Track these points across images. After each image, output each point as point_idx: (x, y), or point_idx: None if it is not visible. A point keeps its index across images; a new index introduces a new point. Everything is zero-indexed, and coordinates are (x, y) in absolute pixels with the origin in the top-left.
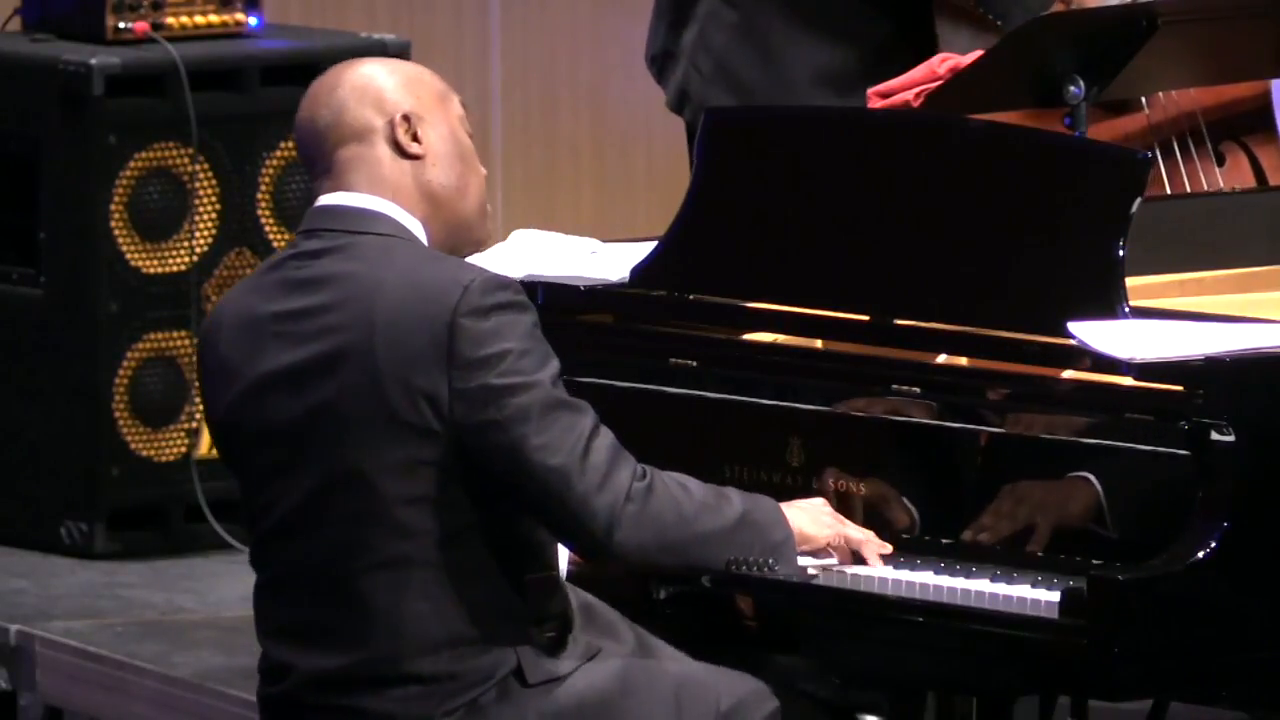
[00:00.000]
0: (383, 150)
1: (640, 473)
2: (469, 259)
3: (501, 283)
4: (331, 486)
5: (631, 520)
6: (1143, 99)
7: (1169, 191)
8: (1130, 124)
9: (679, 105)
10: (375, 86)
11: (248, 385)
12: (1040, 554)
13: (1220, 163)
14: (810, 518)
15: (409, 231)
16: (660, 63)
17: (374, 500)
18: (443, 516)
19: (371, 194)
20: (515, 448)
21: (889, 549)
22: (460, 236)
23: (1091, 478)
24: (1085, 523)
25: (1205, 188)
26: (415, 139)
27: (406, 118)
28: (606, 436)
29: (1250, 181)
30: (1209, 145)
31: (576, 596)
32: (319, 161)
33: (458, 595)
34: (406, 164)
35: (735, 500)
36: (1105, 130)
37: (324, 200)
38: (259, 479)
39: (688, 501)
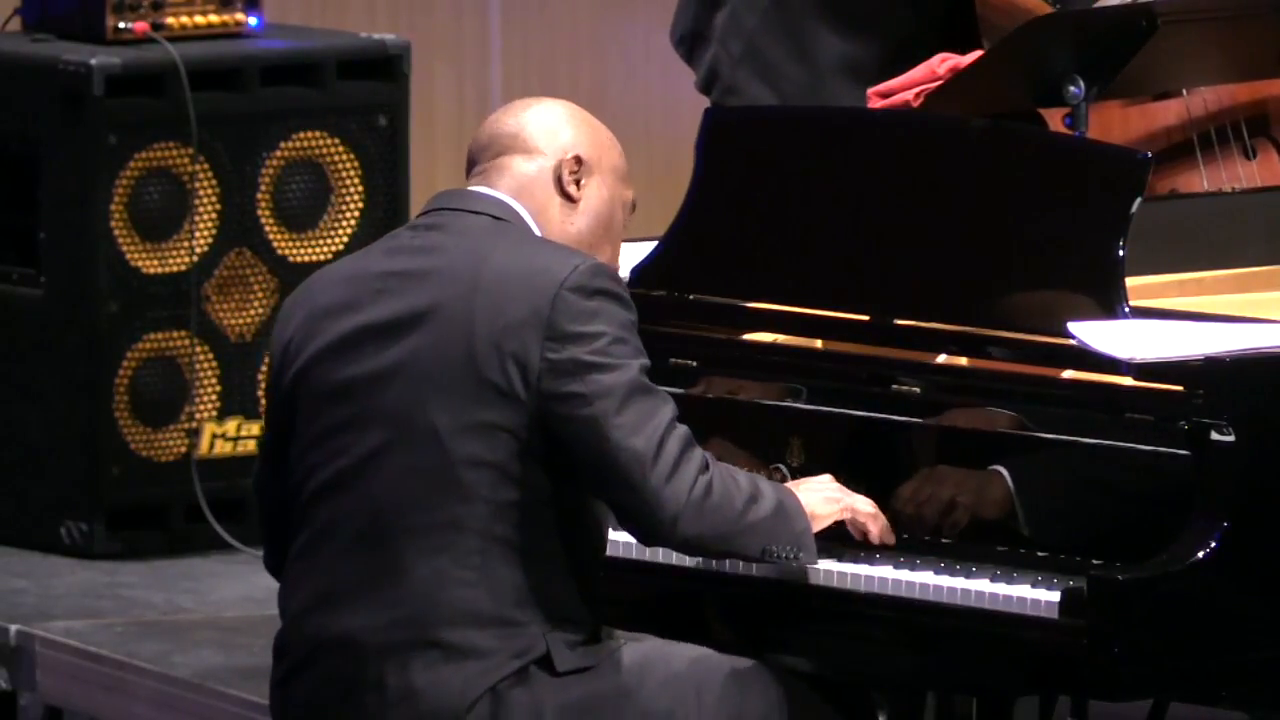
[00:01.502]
0: (542, 175)
1: (704, 465)
2: None
3: (612, 273)
4: (400, 440)
5: (694, 512)
6: (1183, 90)
7: (1205, 182)
8: (1168, 114)
9: (708, 86)
10: (567, 126)
11: (336, 338)
12: (1040, 553)
13: (1252, 155)
14: (817, 496)
15: (526, 224)
16: (689, 43)
17: (441, 458)
18: (504, 487)
19: (511, 196)
20: (597, 423)
21: (890, 534)
22: None
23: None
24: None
25: (1240, 180)
26: (577, 184)
27: (579, 160)
28: (682, 429)
29: None
30: (1245, 140)
31: None
32: (479, 160)
33: (502, 571)
34: (558, 199)
35: (768, 491)
36: (1141, 116)
37: (462, 188)
38: (321, 434)
39: (739, 495)
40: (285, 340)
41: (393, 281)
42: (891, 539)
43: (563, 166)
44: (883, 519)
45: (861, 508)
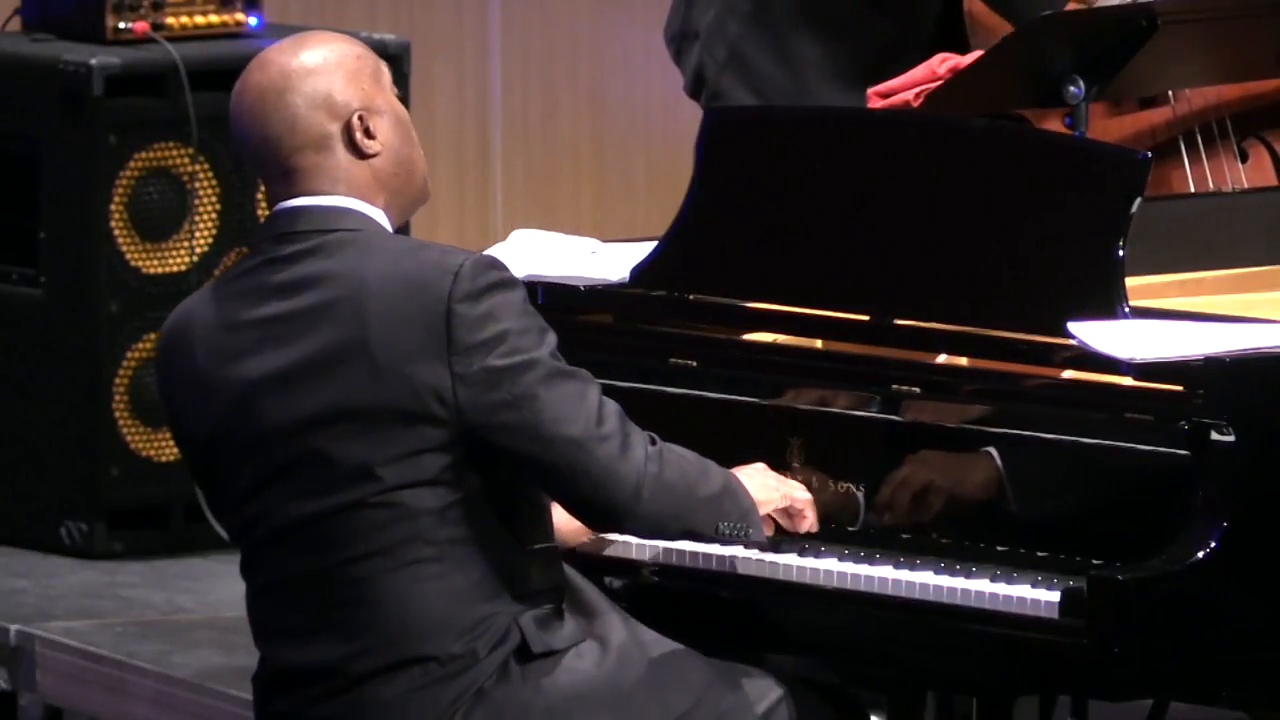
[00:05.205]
0: (341, 154)
1: (652, 438)
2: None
3: (489, 262)
4: (335, 483)
5: (654, 484)
6: (1170, 93)
7: (1191, 184)
8: (1156, 117)
9: (695, 91)
10: (324, 89)
11: (235, 394)
12: (1040, 553)
13: (1243, 159)
14: (757, 482)
15: (375, 223)
16: (678, 43)
17: (379, 491)
18: (443, 494)
19: (335, 194)
20: (530, 424)
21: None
22: (412, 206)
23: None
24: (1080, 516)
25: (1228, 182)
26: (369, 134)
27: (360, 117)
28: (612, 404)
29: (1271, 179)
30: (1233, 140)
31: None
32: (272, 167)
33: (461, 572)
34: (364, 162)
35: (713, 466)
36: (1131, 123)
37: (287, 204)
38: (252, 487)
39: (690, 468)
40: (171, 394)
41: (274, 328)
42: (816, 528)
43: (353, 133)
44: (814, 511)
45: (798, 495)
